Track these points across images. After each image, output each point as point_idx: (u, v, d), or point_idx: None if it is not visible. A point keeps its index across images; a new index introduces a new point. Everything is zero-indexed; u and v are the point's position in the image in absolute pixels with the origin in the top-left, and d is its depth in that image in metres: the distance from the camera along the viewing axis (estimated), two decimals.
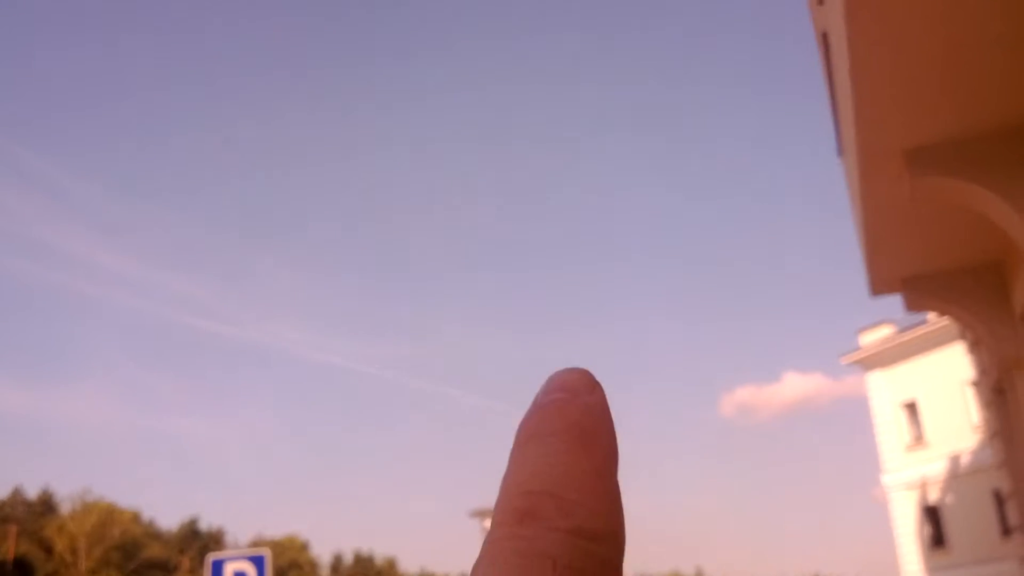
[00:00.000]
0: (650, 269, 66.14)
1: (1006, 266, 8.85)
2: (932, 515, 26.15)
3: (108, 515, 40.84)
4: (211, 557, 6.39)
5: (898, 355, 27.12)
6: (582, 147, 67.04)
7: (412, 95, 66.38)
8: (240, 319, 65.63)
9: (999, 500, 22.54)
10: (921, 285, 9.17)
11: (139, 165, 65.15)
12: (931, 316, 23.91)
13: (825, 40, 7.47)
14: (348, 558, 54.21)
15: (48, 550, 38.72)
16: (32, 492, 42.64)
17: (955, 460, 25.31)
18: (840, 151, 8.61)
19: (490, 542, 0.24)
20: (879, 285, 9.36)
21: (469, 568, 0.23)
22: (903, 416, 27.29)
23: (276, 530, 53.57)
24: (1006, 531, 22.60)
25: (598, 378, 0.26)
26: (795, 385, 59.19)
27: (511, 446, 0.25)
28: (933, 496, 26.11)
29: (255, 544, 41.20)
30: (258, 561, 6.23)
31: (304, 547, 50.55)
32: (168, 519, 62.66)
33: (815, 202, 59.30)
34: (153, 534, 44.75)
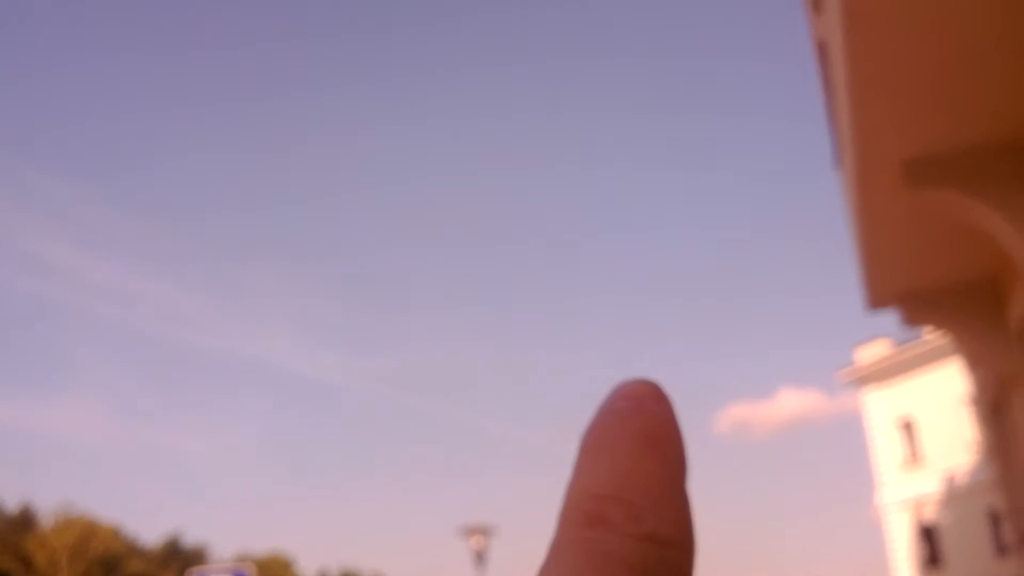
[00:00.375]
0: (640, 281, 66.10)
1: (1002, 282, 8.78)
2: (927, 534, 26.01)
3: (89, 530, 40.44)
4: (194, 572, 6.29)
5: (894, 371, 27.04)
6: (572, 157, 67.11)
7: (403, 101, 66.51)
8: (226, 332, 65.44)
9: (994, 519, 22.43)
10: (918, 300, 9.10)
11: (129, 176, 65.11)
12: (927, 332, 23.86)
13: (823, 50, 7.43)
14: (334, 574, 53.80)
15: (27, 564, 38.30)
16: (10, 505, 42.03)
17: (951, 478, 25.20)
18: (837, 163, 8.55)
19: (558, 545, 0.23)
20: (875, 299, 9.29)
21: None
22: (899, 433, 27.19)
23: (260, 546, 53.25)
24: (1001, 550, 22.47)
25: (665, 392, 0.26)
26: (790, 401, 59.11)
27: (576, 453, 0.25)
28: (929, 515, 25.98)
29: (239, 560, 40.88)
30: None
31: (289, 563, 50.16)
32: (150, 534, 62.20)
33: (812, 213, 59.36)
34: (135, 549, 44.35)
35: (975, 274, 8.83)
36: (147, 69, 63.76)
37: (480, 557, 15.09)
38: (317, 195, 67.93)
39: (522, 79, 66.07)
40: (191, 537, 51.56)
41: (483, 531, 15.25)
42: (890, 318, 24.56)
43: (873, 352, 27.69)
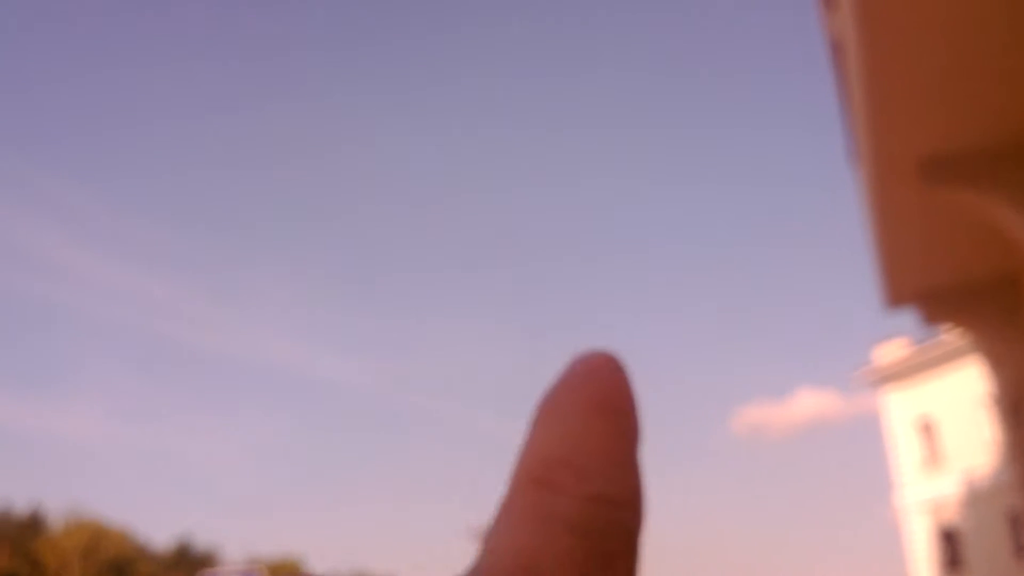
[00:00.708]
0: (653, 279, 65.88)
1: (1022, 280, 8.69)
2: (947, 536, 25.76)
3: (99, 533, 40.57)
4: (206, 573, 6.29)
5: (912, 371, 26.80)
6: (583, 152, 67.00)
7: (405, 95, 66.61)
8: (237, 334, 65.71)
9: (1015, 521, 22.19)
10: (936, 299, 9.02)
11: (134, 176, 65.59)
12: (945, 331, 23.66)
13: (837, 47, 7.37)
14: None
15: (38, 567, 38.49)
16: (20, 508, 42.18)
17: (971, 480, 24.96)
18: (853, 160, 8.50)
19: (504, 507, 0.23)
20: (893, 298, 9.21)
21: None
22: (918, 434, 26.95)
23: (271, 549, 53.37)
24: (1022, 552, 22.24)
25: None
26: (807, 402, 58.73)
27: (530, 420, 0.25)
28: (948, 517, 25.74)
29: (250, 563, 40.98)
30: None
31: (300, 566, 50.25)
32: (160, 536, 62.53)
33: (828, 212, 58.97)
34: (145, 552, 44.48)
35: (994, 272, 8.74)
36: (151, 71, 64.22)
37: None
38: (323, 196, 68.18)
39: (540, 84, 66.10)
40: (201, 540, 51.80)
41: None
42: (907, 318, 24.40)
43: (891, 352, 27.46)
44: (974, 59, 5.53)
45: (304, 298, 67.42)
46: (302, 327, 68.24)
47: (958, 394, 25.25)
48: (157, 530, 71.77)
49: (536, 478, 0.23)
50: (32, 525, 41.45)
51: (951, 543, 25.63)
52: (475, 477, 65.64)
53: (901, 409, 27.38)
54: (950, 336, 24.17)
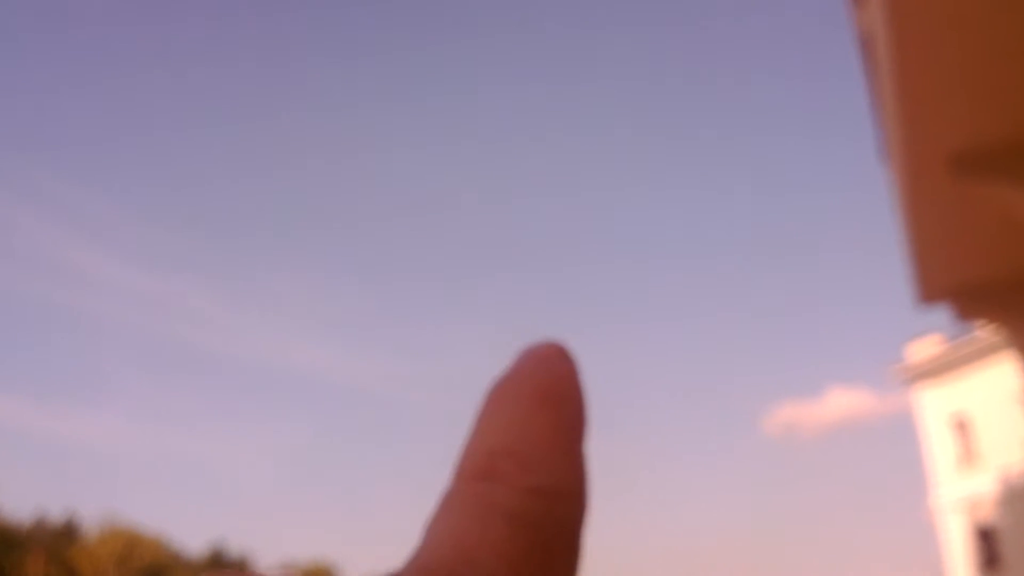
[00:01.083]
0: (684, 282, 65.54)
1: None
2: (984, 535, 25.40)
3: (134, 540, 40.85)
4: None
5: (946, 368, 26.47)
6: (605, 153, 66.80)
7: (412, 101, 66.77)
8: (267, 340, 66.12)
9: None
10: (970, 295, 8.90)
11: (156, 184, 66.37)
12: (979, 328, 23.32)
13: (866, 42, 7.31)
14: None
15: (74, 575, 38.92)
16: (55, 516, 42.69)
17: (1007, 477, 24.59)
18: (883, 156, 8.41)
19: (446, 497, 0.23)
20: (926, 295, 9.09)
21: None
22: (952, 432, 26.60)
23: (304, 553, 53.73)
24: None
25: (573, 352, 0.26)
26: (840, 401, 58.11)
27: (477, 409, 0.25)
28: (984, 515, 25.37)
29: (284, 568, 41.23)
30: None
31: (333, 571, 50.49)
32: (193, 543, 63.20)
33: (859, 209, 58.35)
34: (179, 559, 44.84)
35: None
36: (159, 73, 64.98)
37: None
38: (333, 198, 68.56)
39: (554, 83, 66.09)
40: (235, 546, 52.30)
41: None
42: (941, 314, 24.14)
43: (924, 349, 27.13)
44: (1006, 51, 5.46)
45: (323, 302, 67.82)
46: (335, 333, 68.67)
47: (992, 391, 24.89)
48: (190, 536, 72.64)
49: (479, 468, 0.23)
50: (67, 533, 41.95)
51: (988, 541, 25.25)
52: None
53: (935, 407, 27.03)
54: (984, 332, 23.81)
